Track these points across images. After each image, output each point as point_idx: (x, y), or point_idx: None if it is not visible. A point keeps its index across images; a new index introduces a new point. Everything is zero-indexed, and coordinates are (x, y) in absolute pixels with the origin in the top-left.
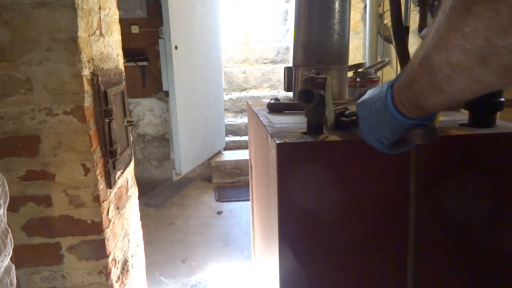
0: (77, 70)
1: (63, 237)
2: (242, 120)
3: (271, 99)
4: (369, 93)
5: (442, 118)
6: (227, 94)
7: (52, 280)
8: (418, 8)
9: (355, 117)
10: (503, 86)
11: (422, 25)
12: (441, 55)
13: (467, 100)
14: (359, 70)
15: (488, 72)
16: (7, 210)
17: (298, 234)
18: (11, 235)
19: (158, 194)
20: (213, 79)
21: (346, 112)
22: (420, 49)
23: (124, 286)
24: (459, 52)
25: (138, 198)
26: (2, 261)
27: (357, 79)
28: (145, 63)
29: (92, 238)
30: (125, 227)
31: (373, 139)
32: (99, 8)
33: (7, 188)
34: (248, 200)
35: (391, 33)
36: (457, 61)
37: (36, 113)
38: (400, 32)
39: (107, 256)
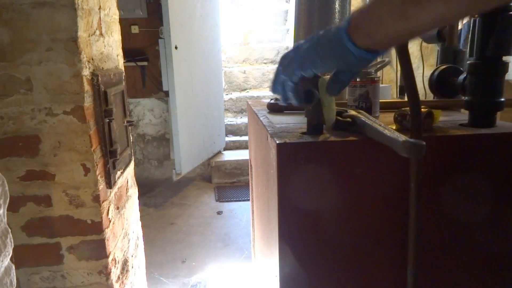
0: (77, 70)
1: (63, 237)
2: (242, 120)
3: (271, 99)
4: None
5: (442, 118)
6: (227, 94)
7: (52, 280)
8: None
9: (350, 119)
10: (469, 12)
11: None
12: None
13: (425, 30)
14: None
15: None
16: (7, 210)
17: (298, 234)
18: (11, 235)
19: (158, 194)
20: (213, 79)
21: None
22: None
23: (124, 286)
24: None
25: (138, 198)
26: (2, 261)
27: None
28: (145, 63)
29: (92, 238)
30: (125, 227)
31: (304, 64)
32: (99, 8)
33: (7, 188)
34: (248, 200)
35: None
36: None
37: (36, 113)
38: None
39: (107, 256)
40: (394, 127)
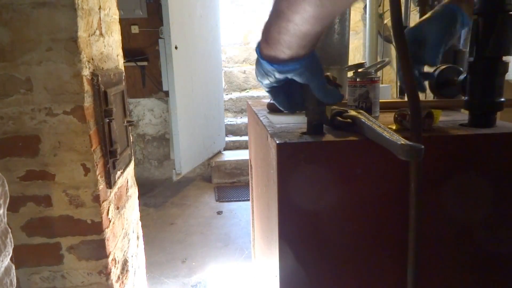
0: (77, 70)
1: (63, 237)
2: (242, 120)
3: (271, 99)
4: None
5: (442, 118)
6: (227, 94)
7: (52, 280)
8: (418, 8)
9: (350, 120)
10: (330, 14)
11: None
12: None
13: (308, 31)
14: (359, 70)
15: None
16: (7, 210)
17: (298, 234)
18: (11, 235)
19: (158, 194)
20: (213, 79)
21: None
22: None
23: (124, 286)
24: None
25: (138, 198)
26: (2, 261)
27: (357, 79)
28: (145, 63)
29: (92, 238)
30: (125, 227)
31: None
32: (99, 8)
33: (7, 188)
34: (248, 200)
35: (391, 33)
36: None
37: (36, 113)
38: (400, 32)
39: (107, 256)
40: (394, 127)
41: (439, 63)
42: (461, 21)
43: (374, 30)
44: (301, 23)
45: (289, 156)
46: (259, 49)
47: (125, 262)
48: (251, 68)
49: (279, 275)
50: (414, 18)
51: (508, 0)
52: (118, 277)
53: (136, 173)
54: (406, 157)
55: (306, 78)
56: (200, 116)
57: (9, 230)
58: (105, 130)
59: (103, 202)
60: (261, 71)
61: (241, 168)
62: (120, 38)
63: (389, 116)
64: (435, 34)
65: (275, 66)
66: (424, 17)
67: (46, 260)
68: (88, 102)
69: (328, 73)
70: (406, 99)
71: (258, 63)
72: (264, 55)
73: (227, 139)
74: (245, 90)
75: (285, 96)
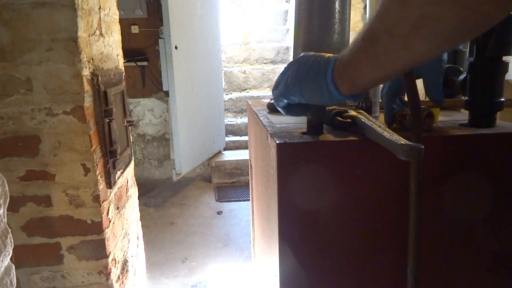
0: (77, 70)
1: (63, 237)
2: (242, 120)
3: (271, 99)
4: (314, 55)
5: (442, 118)
6: (227, 94)
7: (52, 280)
8: None
9: (350, 120)
10: (433, 55)
11: None
12: (383, 24)
13: (398, 73)
14: None
15: (419, 40)
16: (7, 210)
17: (298, 234)
18: (11, 235)
19: (158, 194)
20: (213, 79)
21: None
22: (366, 24)
23: (124, 286)
24: (397, 21)
25: (138, 198)
26: (2, 261)
27: None
28: (145, 63)
29: (92, 238)
30: (125, 227)
31: (289, 93)
32: (99, 8)
33: (7, 188)
34: (248, 200)
35: None
36: (394, 28)
37: (36, 113)
38: None
39: (107, 256)
40: (393, 125)
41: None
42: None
43: None
44: (399, 72)
45: (289, 156)
46: (332, 78)
47: (125, 262)
48: (251, 68)
49: (279, 275)
50: None
51: None
52: (118, 277)
53: (136, 173)
54: (406, 157)
55: (323, 102)
56: (200, 116)
57: (9, 230)
58: (105, 130)
59: (103, 202)
60: (309, 93)
61: (241, 168)
62: (120, 38)
63: None
64: (430, 72)
65: (347, 96)
66: None
67: (46, 260)
68: (88, 102)
69: None
70: (406, 99)
71: (308, 87)
72: (341, 89)
73: (227, 139)
74: (245, 90)
75: (301, 108)
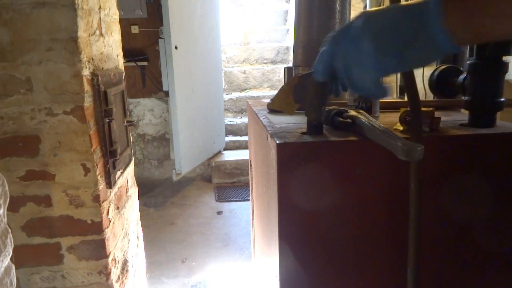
0: (77, 70)
1: (63, 237)
2: (242, 120)
3: (271, 99)
4: (387, 9)
5: (442, 118)
6: (227, 94)
7: (52, 280)
8: None
9: (350, 120)
10: None
11: None
12: None
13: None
14: None
15: None
16: (7, 210)
17: (298, 234)
18: (11, 235)
19: (158, 194)
20: (213, 79)
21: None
22: None
23: (124, 286)
24: None
25: (138, 198)
26: (2, 261)
27: None
28: (145, 63)
29: (92, 238)
30: (125, 227)
31: (370, 67)
32: (99, 8)
33: (7, 188)
34: (248, 200)
35: None
36: None
37: (36, 113)
38: None
39: (107, 256)
40: (401, 128)
41: None
42: None
43: None
44: None
45: (289, 156)
46: (447, 35)
47: (125, 262)
48: (251, 68)
49: (279, 275)
50: None
51: None
52: (118, 277)
53: (136, 173)
54: (406, 157)
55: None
56: (200, 116)
57: (9, 230)
58: (105, 130)
59: (103, 202)
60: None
61: (241, 168)
62: (120, 38)
63: (389, 116)
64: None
65: (448, 44)
66: None
67: (46, 260)
68: (88, 102)
69: None
70: (406, 99)
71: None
72: (448, 31)
73: (227, 139)
74: (245, 90)
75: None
